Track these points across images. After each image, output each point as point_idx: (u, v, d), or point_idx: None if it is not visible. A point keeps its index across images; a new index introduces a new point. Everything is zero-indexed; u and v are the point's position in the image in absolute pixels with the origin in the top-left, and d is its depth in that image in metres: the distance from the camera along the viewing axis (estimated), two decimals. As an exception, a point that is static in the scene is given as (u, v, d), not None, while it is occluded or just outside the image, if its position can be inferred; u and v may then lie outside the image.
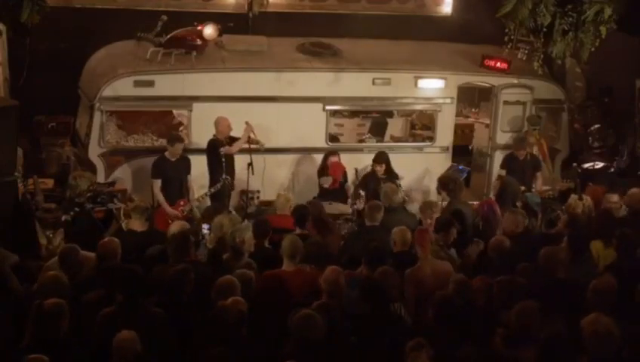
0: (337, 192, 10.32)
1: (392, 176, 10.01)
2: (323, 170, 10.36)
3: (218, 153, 9.67)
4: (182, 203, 9.37)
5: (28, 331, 5.02)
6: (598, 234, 7.27)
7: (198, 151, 10.10)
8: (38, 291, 5.56)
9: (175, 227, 7.04)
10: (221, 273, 5.96)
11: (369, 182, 10.03)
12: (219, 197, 9.65)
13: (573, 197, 9.02)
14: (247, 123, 9.71)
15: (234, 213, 8.98)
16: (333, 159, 10.36)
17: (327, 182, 10.21)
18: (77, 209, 7.82)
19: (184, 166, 9.62)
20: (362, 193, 9.83)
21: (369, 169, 10.43)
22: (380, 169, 10.04)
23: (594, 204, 8.55)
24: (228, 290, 5.47)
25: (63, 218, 8.41)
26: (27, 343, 4.94)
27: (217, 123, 9.84)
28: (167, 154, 9.49)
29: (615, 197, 8.51)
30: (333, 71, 11.03)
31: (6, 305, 5.69)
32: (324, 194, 10.23)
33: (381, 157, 10.14)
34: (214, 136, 9.83)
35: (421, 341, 4.77)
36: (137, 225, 7.54)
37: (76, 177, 8.36)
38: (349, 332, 5.35)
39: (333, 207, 9.72)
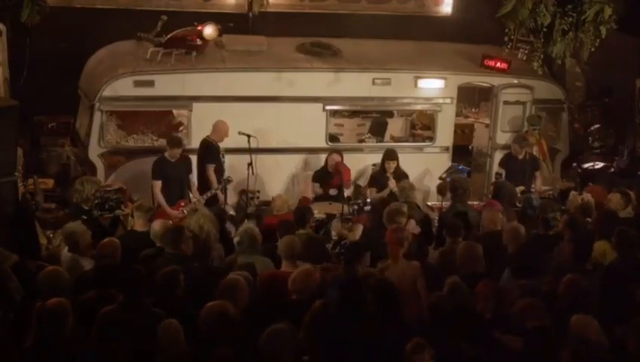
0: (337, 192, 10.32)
1: (401, 176, 9.91)
2: (324, 177, 10.29)
3: (217, 155, 9.69)
4: (182, 203, 9.36)
5: (31, 331, 5.02)
6: (603, 235, 7.27)
7: (198, 151, 10.11)
8: (39, 287, 5.56)
9: (157, 225, 7.02)
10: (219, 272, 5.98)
11: (378, 180, 9.98)
12: (216, 200, 9.65)
13: (573, 193, 9.04)
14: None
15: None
16: (336, 158, 10.26)
17: (335, 192, 10.16)
18: (84, 217, 7.76)
19: (185, 166, 9.61)
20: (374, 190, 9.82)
21: (376, 168, 10.40)
22: (392, 165, 9.93)
23: (595, 203, 8.55)
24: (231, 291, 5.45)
25: None
26: (30, 343, 4.93)
27: (217, 126, 9.84)
28: (166, 154, 9.48)
29: (617, 198, 8.50)
30: (333, 71, 11.02)
31: (6, 305, 5.69)
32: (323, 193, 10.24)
33: (393, 154, 10.02)
34: (208, 137, 9.82)
35: (421, 342, 4.76)
36: (140, 224, 7.54)
37: (82, 182, 8.30)
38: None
39: (333, 207, 9.71)
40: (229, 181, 9.69)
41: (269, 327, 4.81)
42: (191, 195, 9.61)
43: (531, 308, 5.35)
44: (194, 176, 9.82)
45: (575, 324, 5.15)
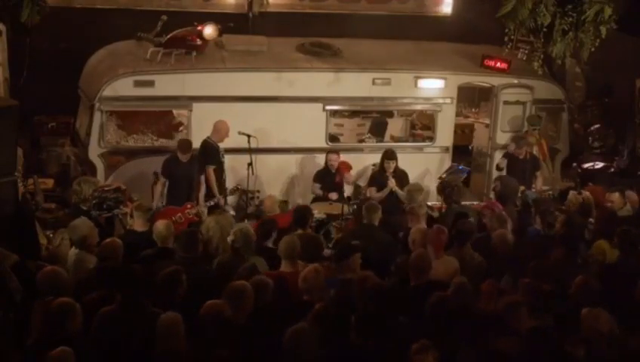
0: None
1: (401, 175, 9.93)
2: (325, 177, 10.29)
3: (217, 155, 9.69)
4: (189, 206, 9.29)
5: (34, 329, 5.01)
6: (603, 234, 7.27)
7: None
8: (38, 287, 5.55)
9: (161, 225, 7.02)
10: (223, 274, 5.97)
11: (378, 180, 9.98)
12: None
13: (573, 193, 9.04)
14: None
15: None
16: (334, 158, 10.27)
17: (334, 196, 10.16)
18: (83, 217, 7.75)
19: (196, 166, 9.58)
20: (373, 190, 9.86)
21: (376, 168, 10.41)
22: (392, 165, 9.93)
23: (595, 203, 8.56)
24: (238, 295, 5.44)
25: None
26: (32, 342, 4.93)
27: (218, 127, 9.82)
28: (178, 154, 9.45)
29: (616, 196, 8.52)
30: (333, 71, 11.02)
31: (6, 305, 5.68)
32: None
33: (392, 154, 10.01)
34: (209, 138, 9.82)
35: (426, 343, 4.75)
36: (139, 224, 7.51)
37: (80, 182, 8.29)
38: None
39: (333, 207, 9.70)
40: (237, 189, 9.70)
41: (292, 327, 4.81)
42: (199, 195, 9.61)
43: (516, 305, 5.38)
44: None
45: (586, 317, 5.17)
